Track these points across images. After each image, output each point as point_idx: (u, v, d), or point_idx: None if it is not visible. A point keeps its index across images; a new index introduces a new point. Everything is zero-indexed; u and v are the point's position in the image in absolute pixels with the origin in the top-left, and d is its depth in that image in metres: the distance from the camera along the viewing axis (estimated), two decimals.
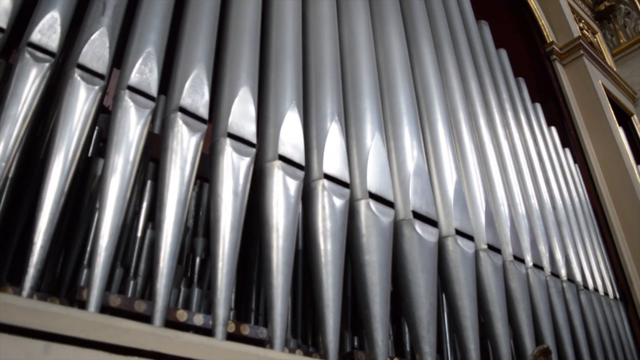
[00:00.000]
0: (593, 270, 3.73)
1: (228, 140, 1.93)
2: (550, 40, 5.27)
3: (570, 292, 3.18)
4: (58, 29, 1.91)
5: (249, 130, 2.02)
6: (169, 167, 1.77)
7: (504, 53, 4.64)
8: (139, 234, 2.00)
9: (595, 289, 3.59)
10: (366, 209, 2.14)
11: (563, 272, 3.25)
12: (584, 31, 5.88)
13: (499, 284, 2.51)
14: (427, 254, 2.21)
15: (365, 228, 2.11)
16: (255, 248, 2.25)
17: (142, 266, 1.94)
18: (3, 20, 1.85)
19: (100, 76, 1.85)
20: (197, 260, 2.07)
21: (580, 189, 4.43)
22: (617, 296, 3.90)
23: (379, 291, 1.99)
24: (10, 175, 1.79)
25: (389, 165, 2.36)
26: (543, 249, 3.15)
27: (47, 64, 1.81)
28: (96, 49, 1.90)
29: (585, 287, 3.45)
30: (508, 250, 2.75)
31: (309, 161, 2.17)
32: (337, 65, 2.57)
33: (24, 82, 1.74)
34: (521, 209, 3.12)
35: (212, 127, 2.05)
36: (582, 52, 5.21)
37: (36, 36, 1.85)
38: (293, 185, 1.98)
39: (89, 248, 1.85)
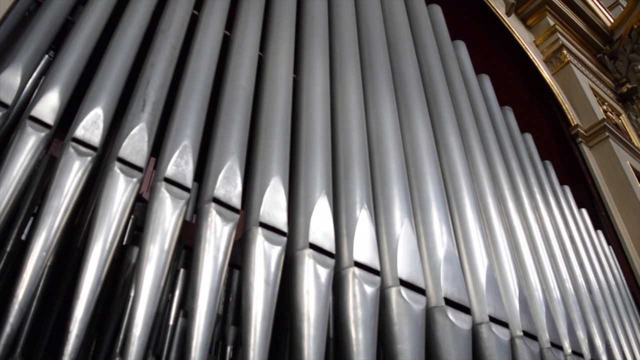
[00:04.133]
0: (636, 356, 3.57)
1: (260, 230, 1.97)
2: (575, 123, 5.32)
3: None
4: (101, 125, 2.02)
5: (280, 219, 2.06)
6: (203, 256, 1.81)
7: (529, 137, 4.69)
8: (171, 322, 2.00)
9: None
10: (397, 296, 2.12)
11: (604, 359, 3.12)
12: (608, 113, 5.92)
13: None
14: (461, 341, 2.16)
15: (396, 316, 2.08)
16: (286, 336, 2.22)
17: (173, 355, 1.92)
18: (50, 118, 1.98)
19: (138, 169, 1.94)
20: (228, 349, 2.06)
21: (616, 272, 4.32)
22: None
23: None
24: (49, 263, 1.84)
25: (419, 251, 2.36)
26: (581, 334, 3.04)
27: (89, 158, 1.90)
28: (136, 143, 2.00)
29: None
30: (545, 336, 2.67)
31: (339, 249, 2.19)
32: (365, 154, 2.64)
33: (66, 175, 1.82)
34: (556, 293, 3.04)
35: (244, 216, 2.10)
36: (607, 134, 5.23)
37: (80, 132, 1.96)
38: (324, 273, 1.99)
39: (121, 336, 1.86)
